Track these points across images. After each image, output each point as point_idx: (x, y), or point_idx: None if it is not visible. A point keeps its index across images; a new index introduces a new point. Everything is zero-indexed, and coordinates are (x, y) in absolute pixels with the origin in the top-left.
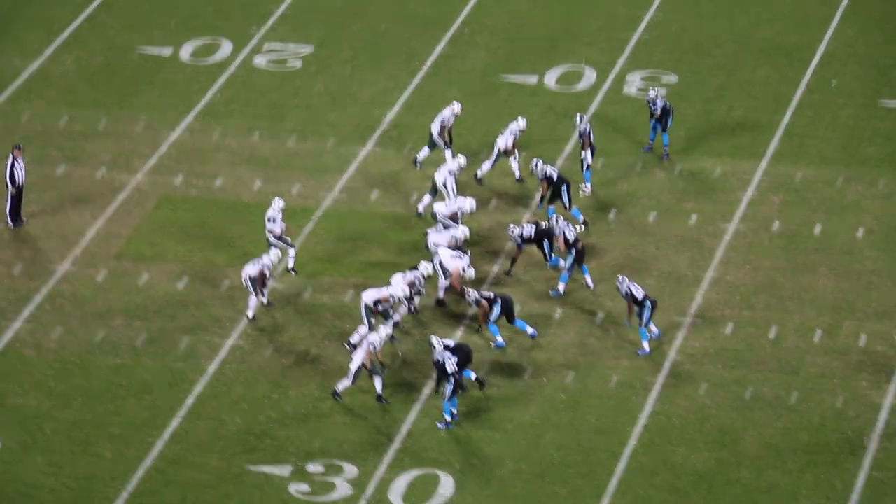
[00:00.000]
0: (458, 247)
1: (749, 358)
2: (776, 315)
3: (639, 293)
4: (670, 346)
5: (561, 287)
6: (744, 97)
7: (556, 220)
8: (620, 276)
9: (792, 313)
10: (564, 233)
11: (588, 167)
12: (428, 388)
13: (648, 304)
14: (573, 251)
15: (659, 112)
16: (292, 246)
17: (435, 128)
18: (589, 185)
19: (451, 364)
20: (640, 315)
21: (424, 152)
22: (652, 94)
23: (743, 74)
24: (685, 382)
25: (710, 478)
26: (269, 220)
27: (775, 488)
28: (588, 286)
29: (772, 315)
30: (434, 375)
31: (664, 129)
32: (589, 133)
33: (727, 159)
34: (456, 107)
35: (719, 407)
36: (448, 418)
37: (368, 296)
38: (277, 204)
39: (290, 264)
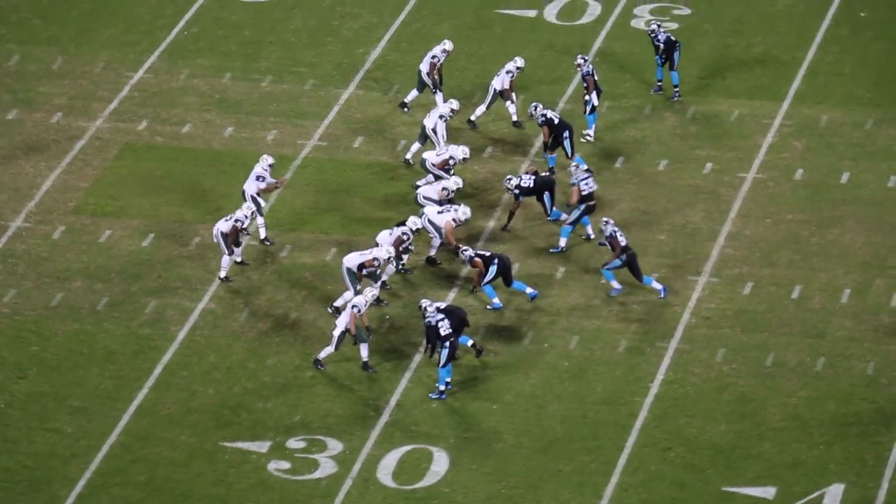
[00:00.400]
0: (449, 200)
1: (770, 320)
2: (800, 273)
3: (622, 240)
4: (684, 307)
5: (562, 242)
6: (764, 31)
7: (577, 168)
8: (606, 218)
9: (817, 271)
10: (580, 184)
11: (593, 110)
12: (419, 356)
13: (630, 255)
14: (583, 206)
15: (663, 46)
16: (261, 214)
17: (424, 68)
18: (592, 130)
19: (444, 327)
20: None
21: (413, 95)
22: (653, 26)
23: (763, 6)
24: (701, 348)
25: (729, 452)
26: (258, 179)
27: (800, 463)
28: (588, 237)
29: (795, 273)
30: (425, 341)
31: (672, 67)
32: (593, 73)
33: (745, 101)
34: (447, 44)
35: (738, 374)
36: (442, 388)
37: (350, 260)
38: (267, 161)
39: (262, 234)
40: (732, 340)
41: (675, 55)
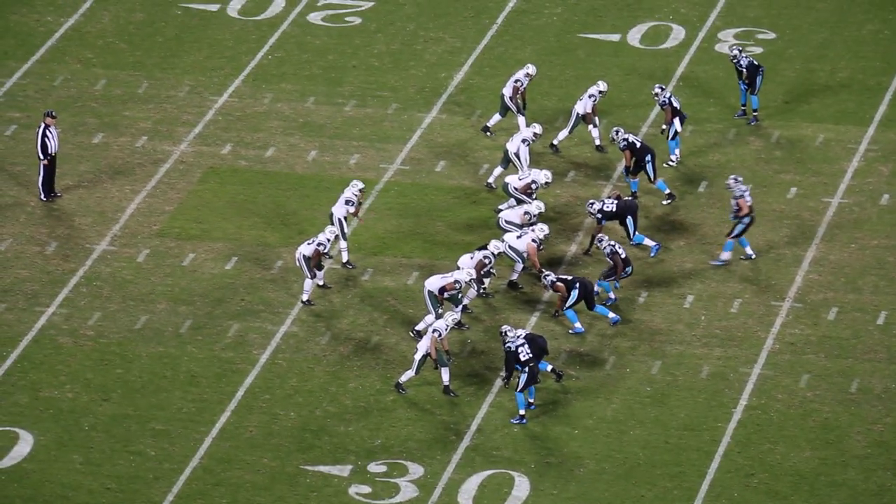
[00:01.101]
0: (530, 223)
1: (855, 346)
2: (885, 299)
3: (622, 253)
4: (767, 333)
5: (725, 255)
6: (849, 56)
7: (736, 182)
8: (601, 235)
9: None
10: (745, 195)
11: (675, 136)
12: (500, 381)
13: (630, 269)
14: (748, 219)
15: (745, 71)
16: (345, 237)
17: (507, 92)
18: (675, 156)
19: (524, 352)
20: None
21: (495, 119)
22: (735, 51)
23: (848, 31)
24: (784, 374)
25: (813, 479)
26: (347, 203)
27: (886, 491)
28: (749, 257)
29: (880, 299)
30: (504, 368)
31: (753, 91)
32: (671, 101)
33: (830, 126)
34: (530, 69)
35: (822, 401)
36: (522, 412)
37: (432, 283)
38: (357, 186)
39: (345, 257)
40: (816, 366)
41: (758, 80)
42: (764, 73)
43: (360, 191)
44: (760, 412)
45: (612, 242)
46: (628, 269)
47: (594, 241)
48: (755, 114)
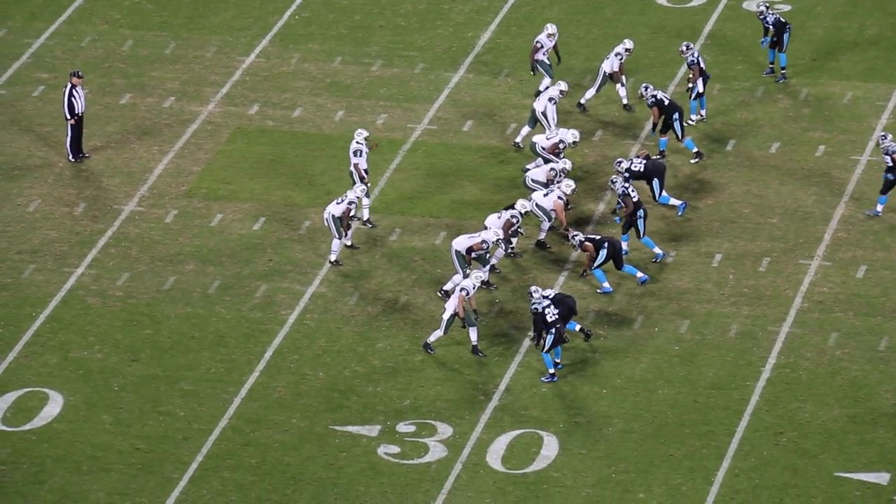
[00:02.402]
0: (556, 181)
1: (884, 304)
2: None
3: (634, 196)
4: (796, 291)
5: (879, 208)
6: (878, 13)
7: (885, 139)
8: (614, 177)
9: None
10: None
11: (699, 96)
12: (528, 341)
13: (642, 211)
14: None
15: (772, 28)
16: (367, 196)
17: (539, 55)
18: (696, 115)
19: (551, 313)
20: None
21: (547, 82)
22: (761, 7)
23: None
24: (813, 332)
25: (842, 437)
26: (354, 154)
27: None
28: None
29: None
30: (532, 328)
31: (781, 49)
32: (698, 61)
33: (858, 83)
34: (550, 28)
35: (851, 359)
36: (552, 370)
37: (460, 243)
38: (361, 135)
39: (365, 215)
40: (845, 325)
41: (785, 37)
42: (791, 30)
43: (366, 138)
44: (789, 370)
45: (627, 184)
46: (640, 212)
47: (620, 200)
48: (783, 71)
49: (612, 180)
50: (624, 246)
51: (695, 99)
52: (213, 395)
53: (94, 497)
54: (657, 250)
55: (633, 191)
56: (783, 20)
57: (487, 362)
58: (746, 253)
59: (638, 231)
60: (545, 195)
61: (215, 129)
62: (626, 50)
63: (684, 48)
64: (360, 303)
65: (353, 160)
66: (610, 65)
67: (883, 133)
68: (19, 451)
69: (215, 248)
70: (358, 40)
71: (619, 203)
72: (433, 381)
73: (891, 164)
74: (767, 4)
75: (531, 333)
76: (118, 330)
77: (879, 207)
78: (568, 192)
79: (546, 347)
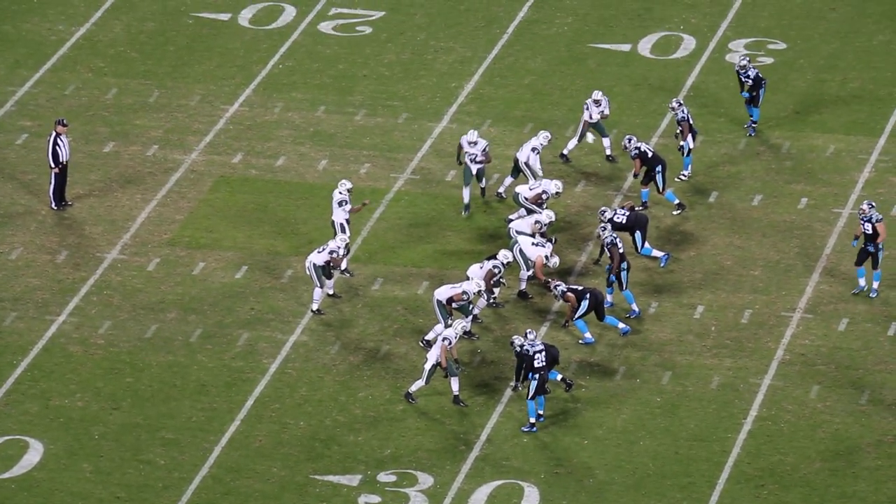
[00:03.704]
0: (542, 233)
1: (866, 357)
2: None
3: (621, 248)
4: (778, 343)
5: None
6: (860, 67)
7: (870, 208)
8: (602, 225)
9: None
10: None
11: (689, 152)
12: (510, 391)
13: (626, 264)
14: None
15: (751, 83)
16: (347, 246)
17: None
18: (688, 171)
19: (539, 359)
20: (620, 276)
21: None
22: (744, 62)
23: (858, 41)
24: (794, 384)
25: (823, 490)
26: (340, 205)
27: None
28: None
29: (891, 310)
30: (515, 374)
31: (756, 104)
32: (688, 118)
33: (841, 136)
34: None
35: (833, 412)
36: (532, 420)
37: (441, 293)
38: (344, 186)
39: (344, 265)
40: (827, 377)
41: (761, 92)
42: (766, 85)
43: (349, 190)
44: (770, 423)
45: (615, 235)
46: (624, 265)
47: (603, 251)
48: (754, 125)
49: (601, 228)
50: (608, 298)
51: (686, 156)
52: (194, 443)
53: None
54: (634, 307)
55: (619, 241)
56: (761, 75)
57: (469, 412)
58: (728, 305)
59: (621, 283)
60: (533, 244)
61: (198, 177)
62: (595, 101)
63: (675, 104)
64: (341, 352)
65: (338, 211)
66: (589, 114)
67: (869, 201)
68: None
69: (197, 297)
70: (342, 89)
71: (601, 252)
72: (414, 430)
73: (870, 232)
74: (748, 59)
75: (513, 384)
76: (99, 378)
77: (876, 284)
78: (550, 265)
79: (530, 394)
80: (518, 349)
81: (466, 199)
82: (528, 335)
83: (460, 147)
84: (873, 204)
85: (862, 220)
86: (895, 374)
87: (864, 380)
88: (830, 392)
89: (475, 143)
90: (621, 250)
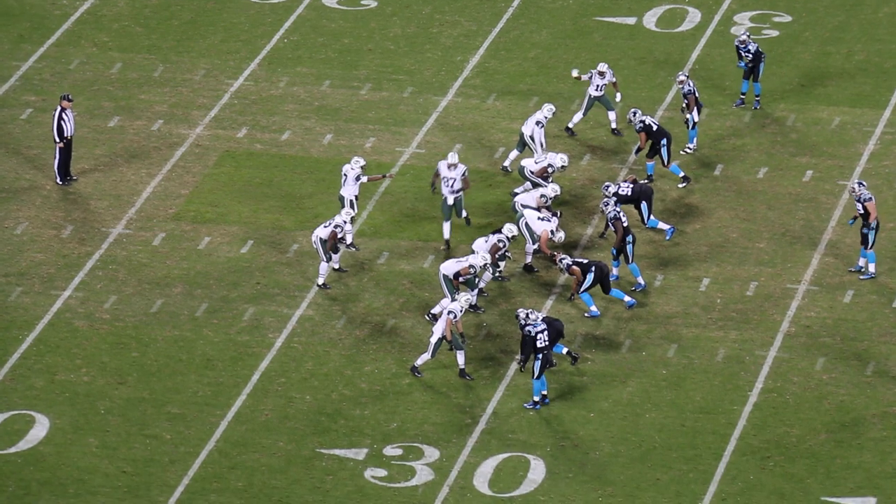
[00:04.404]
0: (547, 207)
1: (871, 329)
2: None
3: (624, 221)
4: (783, 315)
5: (872, 269)
6: (865, 39)
7: (861, 186)
8: (605, 199)
9: None
10: (874, 199)
11: (694, 125)
12: (515, 364)
13: (632, 237)
14: (876, 224)
15: (751, 57)
16: (353, 219)
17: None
18: (693, 143)
19: (542, 339)
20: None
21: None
22: (743, 36)
23: (864, 13)
24: (800, 356)
25: (829, 462)
26: (355, 180)
27: None
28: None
29: None
30: (520, 352)
31: (756, 78)
32: (694, 91)
33: (846, 109)
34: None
35: (838, 383)
36: (537, 398)
37: (447, 268)
38: (359, 163)
39: (349, 239)
40: (832, 349)
41: (761, 66)
42: (765, 59)
43: (363, 167)
44: (776, 395)
45: (618, 209)
46: (629, 238)
47: (608, 224)
48: (757, 99)
49: (604, 202)
50: (614, 271)
51: (692, 128)
52: (200, 418)
53: None
54: (640, 280)
55: (623, 215)
56: (760, 50)
57: (475, 386)
58: (734, 277)
59: (626, 257)
60: (539, 218)
61: (203, 152)
62: (600, 73)
63: (682, 77)
64: (347, 326)
65: (352, 185)
66: (595, 88)
67: (859, 180)
68: (5, 473)
69: (203, 272)
70: (347, 64)
71: (606, 226)
72: (420, 404)
73: (862, 212)
74: (748, 33)
75: (518, 357)
76: (105, 353)
77: (872, 268)
78: (556, 239)
79: (536, 374)
80: (522, 326)
81: (447, 234)
82: (529, 315)
83: (437, 174)
84: (863, 183)
85: (856, 200)
86: None
87: (869, 351)
88: (836, 364)
89: (455, 167)
90: (625, 223)
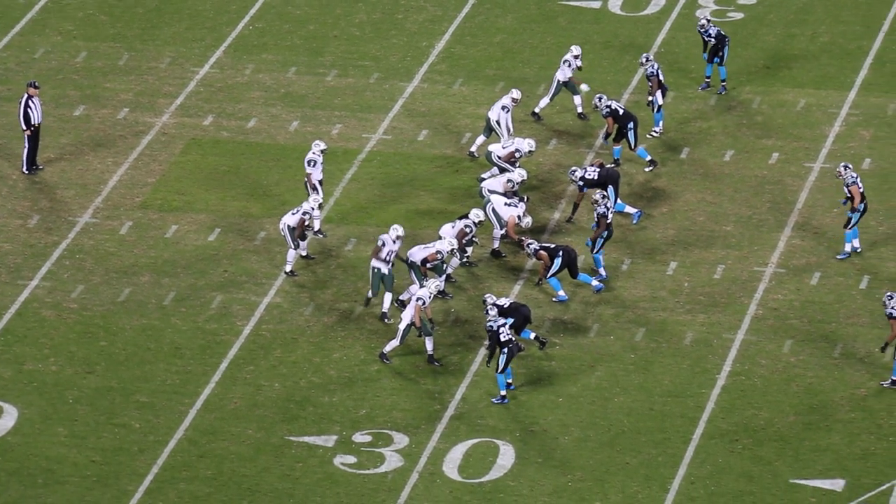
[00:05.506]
0: (514, 192)
1: (838, 311)
2: (868, 263)
3: (610, 218)
4: (751, 298)
5: (847, 248)
6: (829, 21)
7: (846, 169)
8: (601, 192)
9: (886, 261)
10: (857, 182)
11: (659, 108)
12: (484, 350)
13: (607, 232)
14: (862, 206)
15: (713, 41)
16: (321, 206)
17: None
18: (659, 127)
19: (504, 333)
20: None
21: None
22: (703, 21)
23: None
24: (767, 339)
25: (797, 444)
26: (308, 164)
27: (870, 455)
28: (855, 250)
29: (863, 263)
30: (486, 343)
31: (721, 62)
32: (657, 73)
33: (811, 90)
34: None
35: (806, 366)
36: (503, 392)
37: (415, 254)
38: (318, 147)
39: (317, 226)
40: (800, 331)
41: (725, 50)
42: (729, 43)
43: (322, 151)
44: (744, 378)
45: (608, 206)
46: (605, 234)
47: (576, 208)
48: (723, 83)
49: (594, 200)
50: (601, 272)
51: (657, 112)
52: (169, 406)
53: None
54: (602, 271)
55: (611, 213)
56: (723, 33)
57: (443, 371)
58: (701, 260)
59: (594, 246)
60: (506, 204)
61: (170, 140)
62: (575, 57)
63: (644, 60)
64: (315, 313)
65: (307, 170)
66: (563, 73)
67: (845, 163)
68: None
69: (170, 260)
70: (312, 50)
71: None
72: (389, 390)
73: (849, 195)
74: (709, 18)
75: (486, 343)
76: (73, 342)
77: (848, 247)
78: (523, 224)
79: (500, 368)
80: (486, 315)
81: (386, 305)
82: (489, 305)
83: (379, 247)
84: (849, 166)
85: (843, 185)
86: (867, 327)
87: (836, 333)
88: (803, 346)
89: (400, 239)
90: (609, 220)
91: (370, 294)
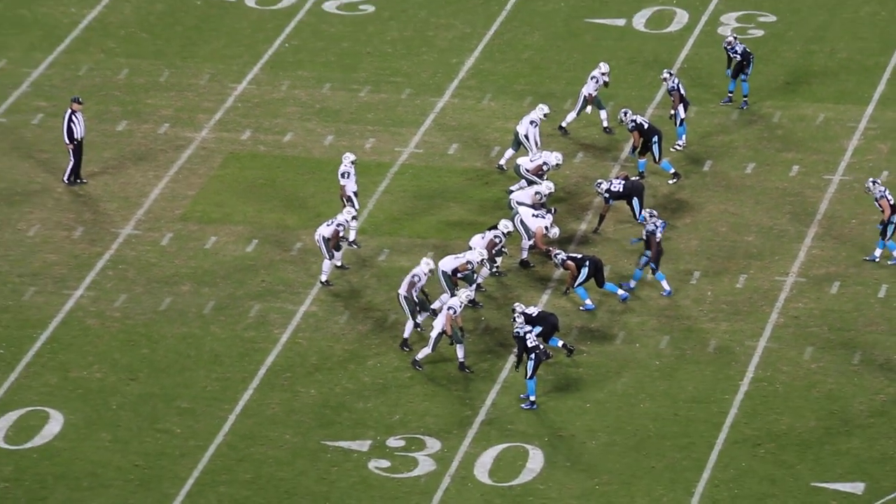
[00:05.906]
0: (542, 204)
1: (857, 319)
2: (886, 272)
3: (658, 237)
4: (772, 307)
5: (878, 252)
6: (848, 38)
7: (875, 184)
8: (650, 211)
9: None
10: (887, 196)
11: (682, 122)
12: (513, 357)
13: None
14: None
15: (739, 57)
16: (355, 218)
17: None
18: (683, 140)
19: (531, 339)
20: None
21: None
22: (730, 38)
23: (845, 13)
24: (789, 346)
25: (818, 448)
26: (342, 177)
27: (889, 459)
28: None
29: (881, 273)
30: (515, 351)
31: (746, 79)
32: (678, 87)
33: (830, 105)
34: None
35: (826, 372)
36: (533, 397)
37: (445, 264)
38: (348, 159)
39: (352, 237)
40: (820, 339)
41: (750, 66)
42: (753, 59)
43: (353, 162)
44: (766, 384)
45: (657, 223)
46: (650, 252)
47: (602, 219)
48: (745, 99)
49: (642, 219)
50: (631, 283)
51: (679, 125)
52: (209, 412)
53: None
54: (632, 283)
55: (660, 232)
56: (748, 50)
57: (474, 378)
58: (724, 270)
59: (657, 267)
60: (534, 216)
61: (209, 154)
62: (603, 74)
63: (666, 75)
64: (350, 321)
65: (341, 182)
66: (587, 89)
67: (872, 178)
68: (21, 468)
69: (210, 270)
70: (346, 67)
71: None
72: (422, 397)
73: (881, 209)
74: (735, 36)
75: (516, 351)
76: (116, 350)
77: (878, 251)
78: (551, 235)
79: (529, 373)
80: (514, 323)
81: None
82: (516, 315)
83: (415, 283)
84: (877, 181)
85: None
86: (885, 334)
87: (855, 341)
88: (824, 353)
89: (430, 273)
90: (659, 239)
91: (418, 320)
